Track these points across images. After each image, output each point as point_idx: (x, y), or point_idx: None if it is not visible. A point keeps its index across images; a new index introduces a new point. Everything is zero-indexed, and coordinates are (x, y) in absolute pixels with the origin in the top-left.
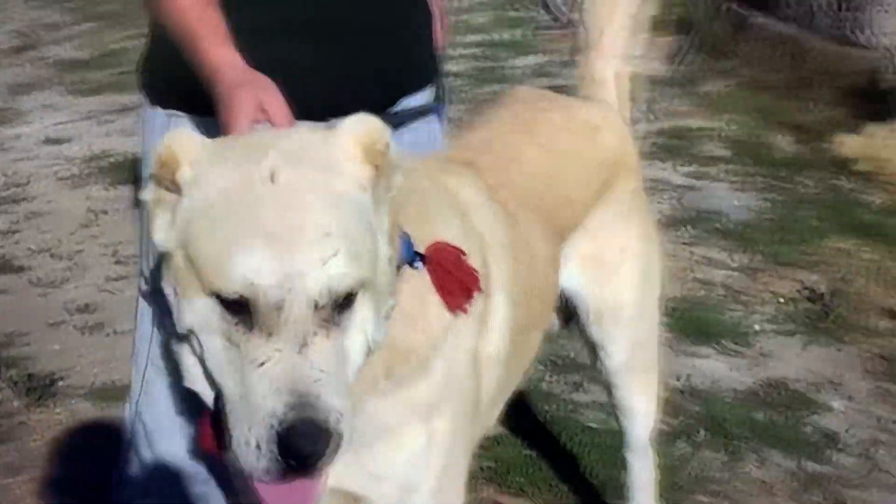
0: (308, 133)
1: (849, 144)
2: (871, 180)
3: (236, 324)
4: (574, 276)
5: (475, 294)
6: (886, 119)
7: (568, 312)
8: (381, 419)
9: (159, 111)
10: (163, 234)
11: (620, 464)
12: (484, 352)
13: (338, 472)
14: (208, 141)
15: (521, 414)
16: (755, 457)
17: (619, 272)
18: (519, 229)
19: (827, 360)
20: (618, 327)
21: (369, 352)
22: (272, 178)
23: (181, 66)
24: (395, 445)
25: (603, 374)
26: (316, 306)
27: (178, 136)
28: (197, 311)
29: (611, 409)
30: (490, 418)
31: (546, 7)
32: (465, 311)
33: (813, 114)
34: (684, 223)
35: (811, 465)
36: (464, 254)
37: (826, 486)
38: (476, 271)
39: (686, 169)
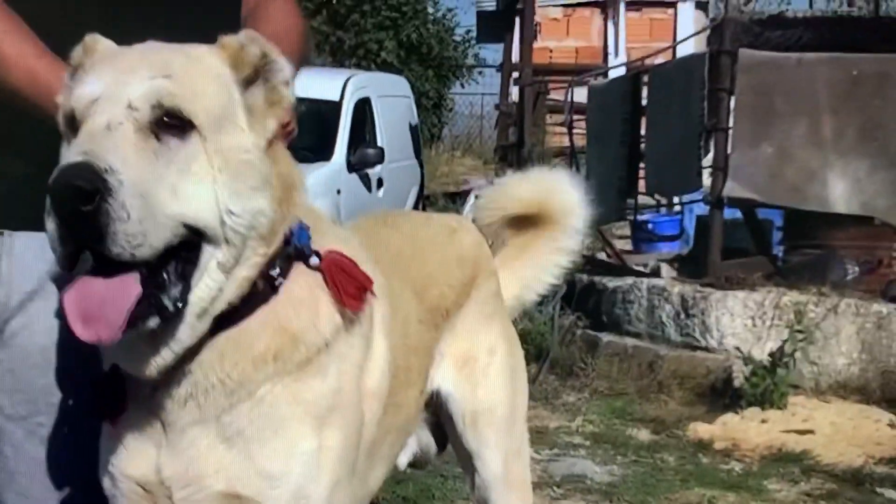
0: None
1: (704, 430)
2: (729, 455)
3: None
4: (448, 378)
5: (369, 296)
6: (738, 411)
7: (443, 435)
8: (273, 409)
9: None
10: None
11: None
12: (365, 384)
13: (230, 474)
14: None
15: None
16: None
17: (489, 372)
18: (392, 285)
19: None
20: (493, 430)
21: (223, 223)
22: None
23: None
24: (289, 444)
25: (479, 489)
26: (131, 106)
27: None
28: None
29: None
30: (369, 478)
31: None
32: (361, 308)
33: (668, 411)
34: (549, 485)
35: None
36: (357, 264)
37: None
38: (370, 276)
39: (547, 452)
